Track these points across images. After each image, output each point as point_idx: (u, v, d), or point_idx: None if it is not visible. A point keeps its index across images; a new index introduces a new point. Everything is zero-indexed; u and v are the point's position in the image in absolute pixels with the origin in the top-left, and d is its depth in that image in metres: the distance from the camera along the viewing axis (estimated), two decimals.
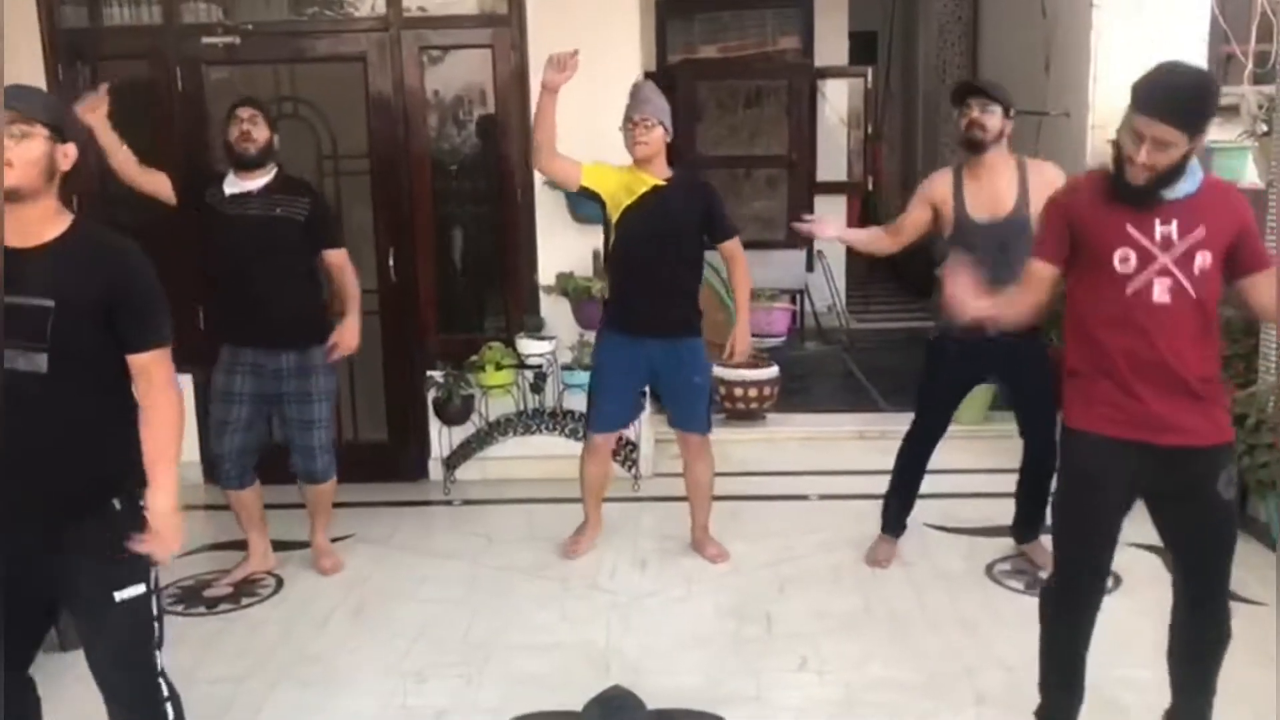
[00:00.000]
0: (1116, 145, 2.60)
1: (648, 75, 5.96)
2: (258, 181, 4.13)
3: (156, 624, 2.52)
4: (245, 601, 4.20)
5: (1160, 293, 2.57)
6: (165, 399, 2.47)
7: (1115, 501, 2.75)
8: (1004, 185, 4.00)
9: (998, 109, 3.98)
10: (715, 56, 9.62)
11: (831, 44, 9.28)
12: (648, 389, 4.74)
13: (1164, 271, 2.56)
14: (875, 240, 4.48)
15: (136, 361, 2.44)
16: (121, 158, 4.16)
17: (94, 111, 4.01)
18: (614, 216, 4.24)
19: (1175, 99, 2.51)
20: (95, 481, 2.43)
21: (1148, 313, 2.58)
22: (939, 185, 4.12)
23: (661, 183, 4.22)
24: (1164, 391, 2.61)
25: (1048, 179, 3.91)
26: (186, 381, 5.35)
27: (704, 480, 4.50)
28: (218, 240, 4.19)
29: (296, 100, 5.36)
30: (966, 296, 2.83)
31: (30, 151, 2.29)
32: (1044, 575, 4.14)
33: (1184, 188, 2.58)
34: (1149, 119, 2.50)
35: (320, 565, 4.43)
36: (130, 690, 2.52)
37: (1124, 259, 2.58)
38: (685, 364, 4.32)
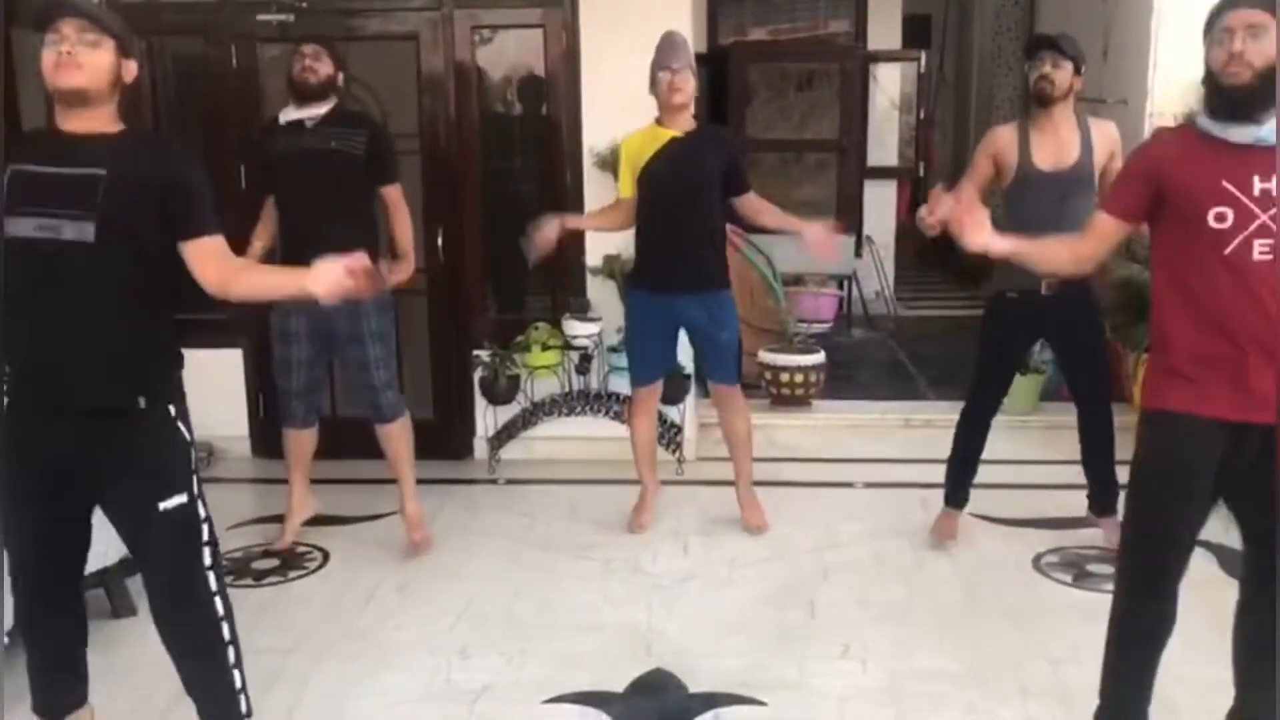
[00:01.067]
0: (1208, 69, 2.43)
1: (698, 57, 5.92)
2: (314, 111, 4.10)
3: (206, 526, 2.60)
4: (292, 575, 4.25)
5: (1260, 251, 2.36)
6: (245, 263, 2.70)
7: (1202, 493, 2.54)
8: (1069, 137, 4.00)
9: (1069, 65, 3.97)
10: (766, 39, 9.56)
11: (885, 27, 9.18)
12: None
13: (1263, 230, 2.36)
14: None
15: (198, 248, 2.51)
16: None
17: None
18: (636, 175, 4.28)
19: None
20: (127, 372, 2.50)
21: (1249, 273, 2.38)
22: (1003, 135, 4.10)
23: (680, 135, 4.21)
24: (1266, 361, 2.39)
25: (1110, 135, 4.04)
26: (235, 356, 5.45)
27: (740, 430, 4.53)
28: (273, 173, 4.21)
29: (349, 78, 5.37)
30: (973, 226, 2.62)
31: (102, 58, 2.44)
32: (1107, 570, 4.09)
33: None
34: (1234, 10, 2.35)
35: (412, 536, 4.37)
36: (185, 601, 2.59)
37: (1220, 217, 2.38)
38: (714, 319, 4.34)
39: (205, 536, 2.62)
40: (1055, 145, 4.00)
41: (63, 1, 2.44)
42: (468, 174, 5.36)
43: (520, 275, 5.75)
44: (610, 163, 5.10)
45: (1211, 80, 2.40)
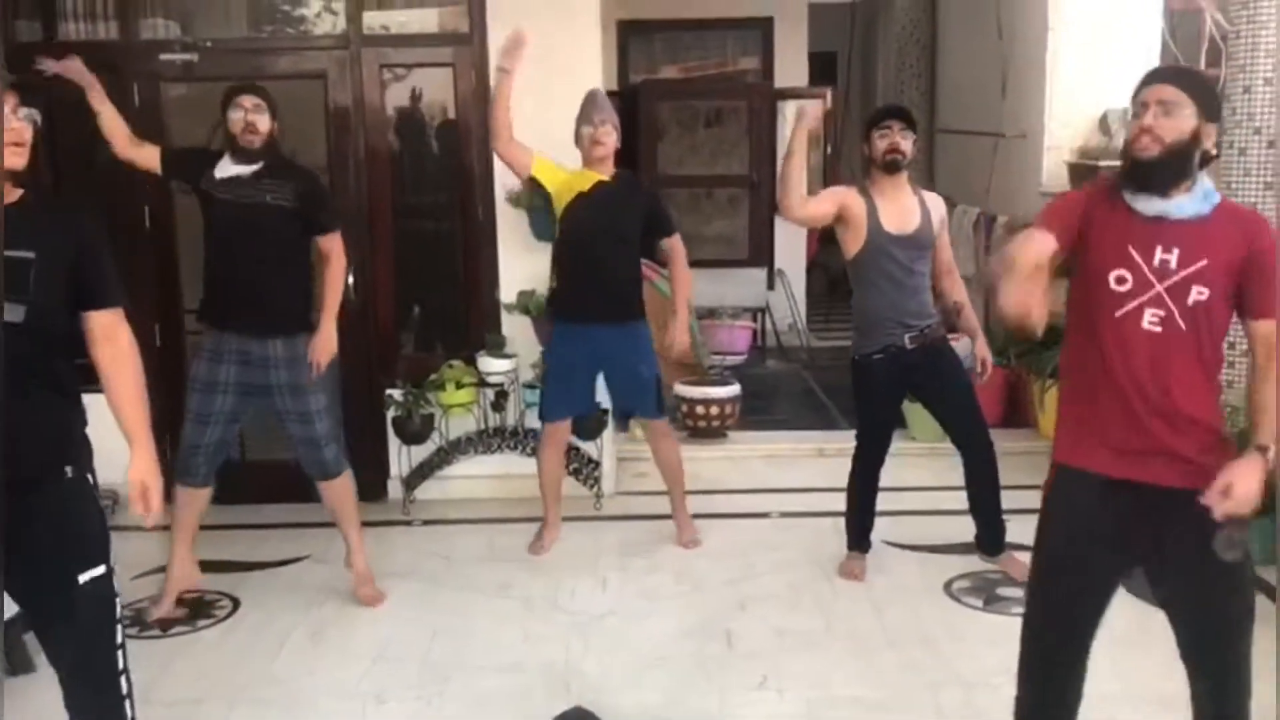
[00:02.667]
0: (1125, 139, 2.47)
1: (610, 95, 5.98)
2: (251, 166, 4.02)
3: (118, 603, 2.53)
4: (200, 624, 4.15)
5: (1150, 321, 2.39)
6: (134, 360, 2.54)
7: (1101, 552, 2.49)
8: (910, 204, 4.22)
9: (912, 135, 4.19)
10: (676, 76, 9.69)
11: (792, 64, 9.37)
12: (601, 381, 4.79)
13: (1156, 301, 2.37)
14: (797, 173, 4.06)
15: (103, 320, 2.50)
16: (109, 115, 4.15)
17: (79, 72, 4.04)
18: (559, 209, 4.49)
19: (1176, 68, 2.50)
20: (55, 444, 2.46)
21: (1133, 340, 2.39)
22: (852, 200, 4.19)
23: (607, 179, 4.48)
24: (1148, 423, 2.40)
25: (940, 205, 4.34)
26: None
27: (673, 459, 4.76)
28: (210, 223, 4.13)
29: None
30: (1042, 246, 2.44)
31: (28, 134, 2.43)
32: (1016, 594, 4.18)
33: (1193, 206, 2.37)
34: (1150, 86, 2.38)
35: (360, 594, 4.24)
36: (95, 677, 2.51)
37: (1120, 280, 2.40)
38: (632, 351, 4.55)
39: (118, 613, 2.53)
40: (900, 211, 4.19)
41: None
42: (378, 212, 5.33)
43: (434, 313, 5.72)
44: (521, 200, 5.11)
45: (1125, 150, 2.45)
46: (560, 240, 4.56)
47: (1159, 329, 2.38)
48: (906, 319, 4.19)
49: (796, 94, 9.39)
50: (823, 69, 10.71)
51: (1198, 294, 2.36)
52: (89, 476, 2.53)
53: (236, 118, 3.98)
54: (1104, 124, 6.16)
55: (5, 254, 2.33)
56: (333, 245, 4.14)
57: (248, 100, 4.00)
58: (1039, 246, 2.41)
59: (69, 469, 2.48)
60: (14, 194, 2.45)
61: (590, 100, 4.53)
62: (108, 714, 2.54)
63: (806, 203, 4.12)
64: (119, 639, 2.54)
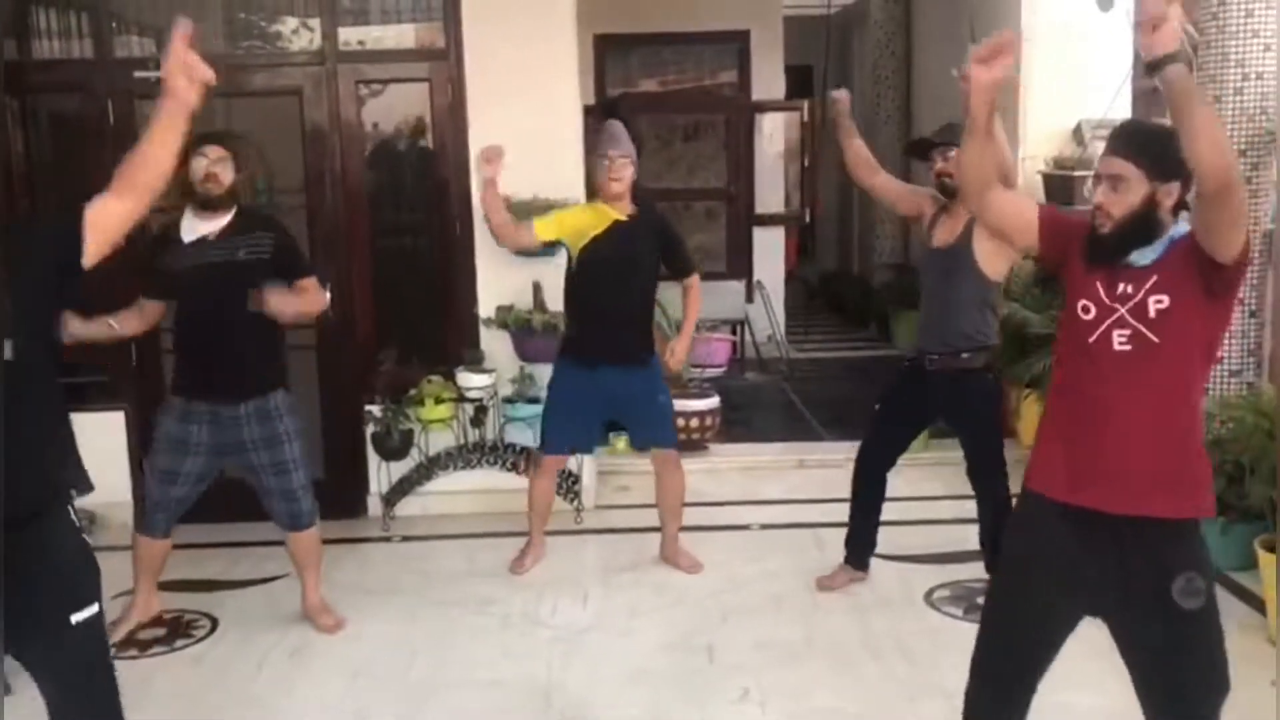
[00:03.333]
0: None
1: (587, 109, 5.99)
2: (217, 223, 3.89)
3: (109, 644, 2.50)
4: (179, 643, 4.11)
5: (1119, 342, 2.40)
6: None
7: (1057, 585, 2.48)
8: (963, 225, 4.07)
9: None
10: (654, 90, 9.71)
11: (768, 78, 9.41)
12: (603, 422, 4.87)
13: (1121, 322, 2.40)
14: (860, 153, 4.42)
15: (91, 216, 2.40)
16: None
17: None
18: (575, 251, 4.40)
19: (1126, 131, 2.47)
20: (44, 486, 2.40)
21: (1106, 362, 2.41)
22: (928, 207, 4.25)
23: (624, 218, 4.38)
24: (1119, 448, 2.40)
25: None
26: (118, 419, 5.29)
27: (678, 491, 4.70)
28: (178, 293, 3.97)
29: (262, 176, 5.28)
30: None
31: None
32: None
33: (1153, 254, 2.40)
34: (1103, 157, 2.42)
35: (322, 623, 4.17)
36: (88, 713, 2.45)
37: (1085, 309, 2.45)
38: (647, 386, 4.50)
39: (109, 650, 2.49)
40: (951, 227, 4.12)
41: None
42: (355, 227, 5.32)
43: (412, 328, 5.71)
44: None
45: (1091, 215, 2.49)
46: (573, 282, 4.46)
47: (1129, 347, 2.40)
48: (931, 336, 4.17)
49: (773, 107, 9.45)
50: (799, 82, 10.76)
51: (1157, 304, 2.37)
52: (70, 509, 2.45)
53: (198, 166, 3.83)
54: (1078, 134, 6.21)
55: None
56: (312, 285, 4.06)
57: (212, 150, 3.87)
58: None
59: (59, 505, 2.42)
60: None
61: (606, 132, 4.41)
62: None
63: (891, 183, 4.42)
64: (112, 674, 2.48)
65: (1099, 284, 2.43)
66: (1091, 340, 2.44)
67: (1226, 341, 4.33)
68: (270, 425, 3.96)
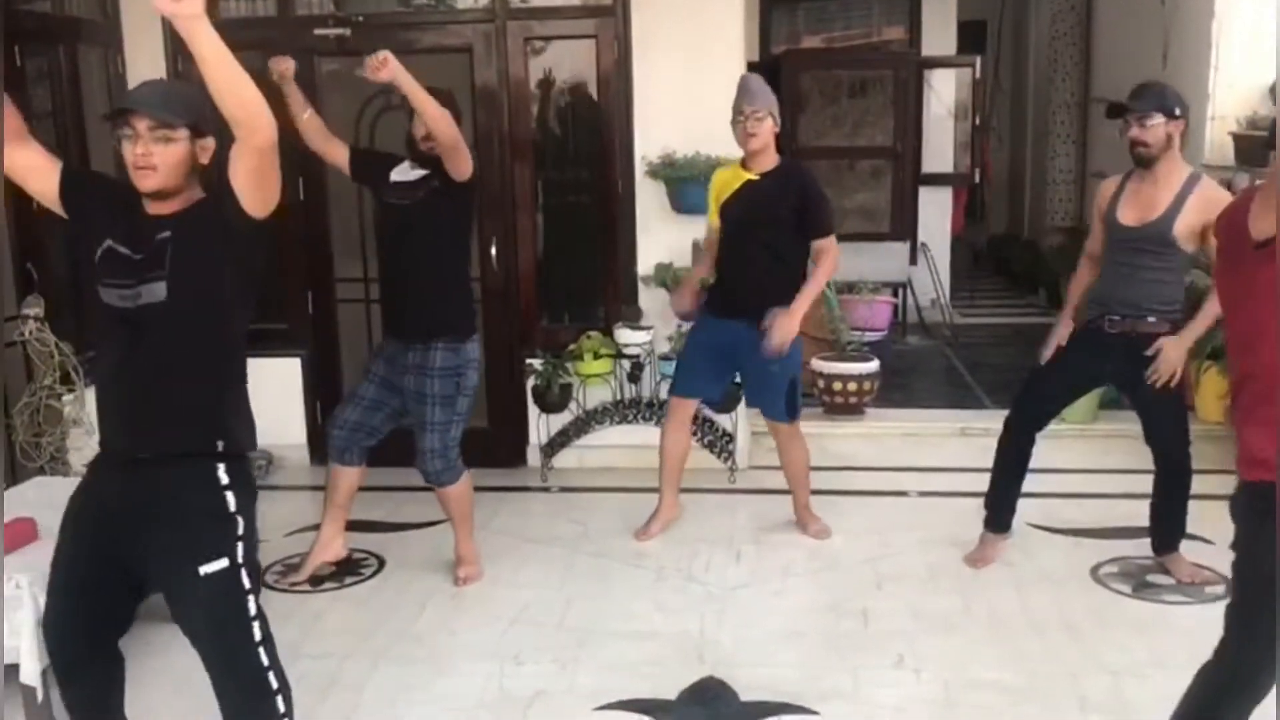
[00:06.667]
0: None
1: (750, 66, 5.92)
2: (420, 173, 4.06)
3: (250, 599, 2.50)
4: (348, 581, 4.30)
5: None
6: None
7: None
8: (1164, 194, 3.84)
9: (1159, 118, 3.80)
10: (819, 46, 9.55)
11: (939, 33, 9.13)
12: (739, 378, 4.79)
13: None
14: (1083, 283, 4.21)
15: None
16: (307, 118, 4.21)
17: (284, 73, 4.12)
18: (719, 209, 4.42)
19: None
20: (187, 430, 2.48)
21: None
22: (1106, 191, 4.05)
23: (756, 177, 4.31)
24: None
25: (1209, 196, 3.76)
26: (295, 365, 5.54)
27: (798, 462, 4.61)
28: (378, 227, 4.30)
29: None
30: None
31: (175, 155, 2.42)
32: (1167, 581, 4.04)
33: None
34: None
35: (457, 573, 4.27)
36: (233, 667, 2.52)
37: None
38: (762, 349, 4.29)
39: (247, 602, 2.51)
40: (1146, 201, 3.87)
41: (134, 97, 2.46)
42: (520, 184, 5.40)
43: (573, 285, 5.78)
44: (661, 172, 5.12)
45: None
46: (717, 240, 4.49)
47: None
48: (1115, 305, 3.93)
49: (943, 63, 9.16)
50: (972, 38, 10.40)
51: None
52: (220, 466, 2.50)
53: (419, 126, 3.97)
54: (1273, 93, 5.83)
55: (152, 242, 2.41)
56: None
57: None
58: None
59: (200, 454, 2.50)
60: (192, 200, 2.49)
61: (743, 86, 4.32)
62: (248, 689, 2.54)
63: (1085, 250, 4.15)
64: (249, 627, 2.51)
65: None
66: None
67: None
68: (422, 382, 4.07)
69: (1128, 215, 3.91)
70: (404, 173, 4.12)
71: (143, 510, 2.47)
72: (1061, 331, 4.12)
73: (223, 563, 2.46)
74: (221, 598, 2.48)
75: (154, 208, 2.47)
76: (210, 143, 2.50)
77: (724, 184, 4.41)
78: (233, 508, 2.50)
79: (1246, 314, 2.36)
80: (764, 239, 4.33)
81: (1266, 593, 2.25)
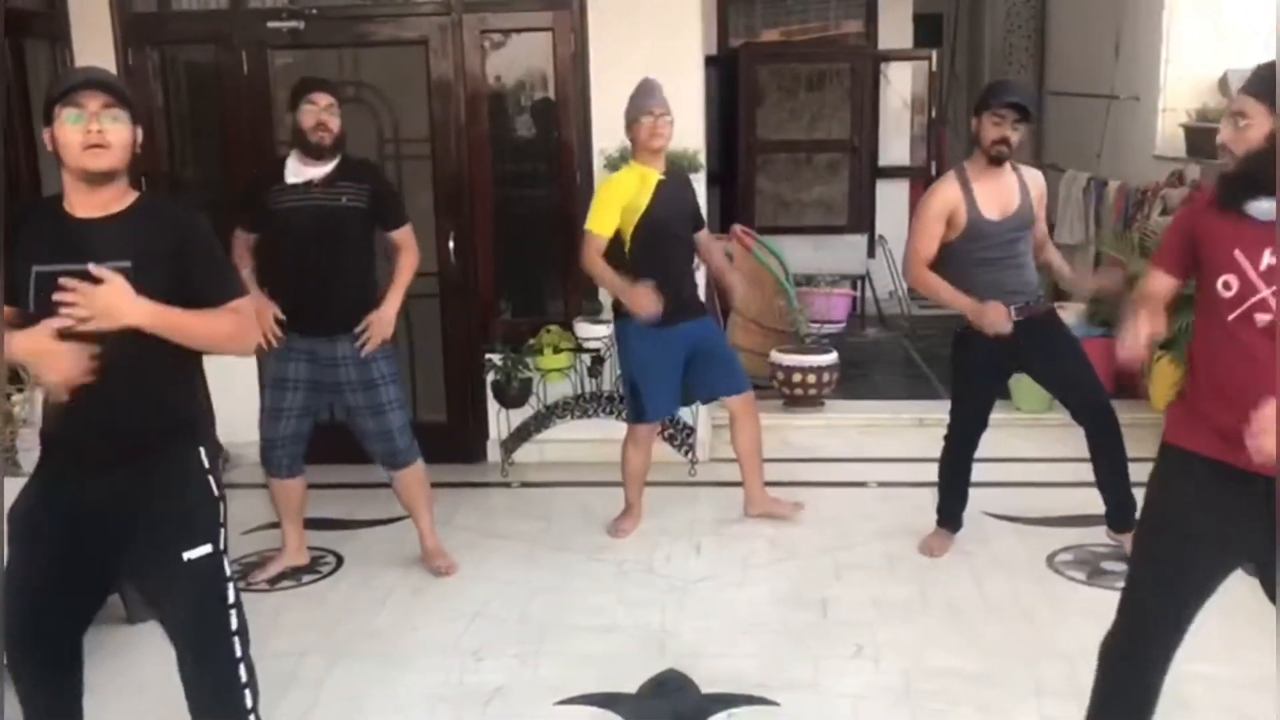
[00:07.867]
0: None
1: (708, 59, 5.93)
2: (322, 169, 3.98)
3: (230, 586, 2.53)
4: (306, 579, 4.27)
5: (1262, 324, 2.32)
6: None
7: (1211, 538, 2.47)
8: (1009, 183, 4.08)
9: (1026, 126, 4.03)
10: (777, 39, 9.57)
11: (895, 26, 9.18)
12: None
13: (1263, 305, 2.32)
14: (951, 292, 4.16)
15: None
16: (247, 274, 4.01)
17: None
18: (633, 223, 4.29)
19: (1259, 73, 2.39)
20: (166, 424, 2.49)
21: (1250, 343, 2.34)
22: (950, 194, 4.06)
23: (664, 177, 4.35)
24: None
25: (1036, 181, 4.17)
26: (250, 365, 5.47)
27: (756, 437, 4.66)
28: (278, 232, 4.06)
29: (359, 84, 5.41)
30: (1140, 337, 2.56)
31: (124, 135, 2.41)
32: (1121, 569, 4.07)
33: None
34: (1237, 95, 2.40)
35: (436, 566, 4.26)
36: (206, 655, 2.52)
37: (1226, 285, 2.36)
38: (715, 333, 4.62)
39: (226, 590, 2.52)
40: (1000, 195, 4.04)
41: (86, 76, 2.42)
42: (478, 177, 5.37)
43: (532, 278, 5.76)
44: (619, 165, 5.11)
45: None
46: (634, 248, 4.31)
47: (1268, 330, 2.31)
48: (1007, 294, 4.02)
49: (900, 56, 9.21)
50: (928, 31, 10.46)
51: None
52: (201, 451, 2.53)
53: (309, 114, 3.91)
54: (1224, 85, 5.91)
55: (106, 265, 2.32)
56: (407, 238, 4.15)
57: (321, 98, 3.94)
58: (1158, 288, 2.55)
59: (182, 443, 2.51)
60: (129, 198, 2.46)
61: (647, 87, 4.32)
62: (217, 680, 2.53)
63: (921, 259, 4.13)
64: (226, 614, 2.52)
65: (1239, 253, 2.34)
66: (1230, 319, 2.36)
67: None
68: (366, 369, 4.04)
69: (993, 211, 4.03)
70: (298, 171, 3.99)
71: (128, 500, 2.45)
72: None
73: (206, 548, 2.48)
74: (203, 584, 2.49)
75: (83, 208, 2.40)
76: (140, 134, 2.48)
77: (634, 190, 4.30)
78: (217, 491, 2.54)
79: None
80: (684, 235, 4.45)
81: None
